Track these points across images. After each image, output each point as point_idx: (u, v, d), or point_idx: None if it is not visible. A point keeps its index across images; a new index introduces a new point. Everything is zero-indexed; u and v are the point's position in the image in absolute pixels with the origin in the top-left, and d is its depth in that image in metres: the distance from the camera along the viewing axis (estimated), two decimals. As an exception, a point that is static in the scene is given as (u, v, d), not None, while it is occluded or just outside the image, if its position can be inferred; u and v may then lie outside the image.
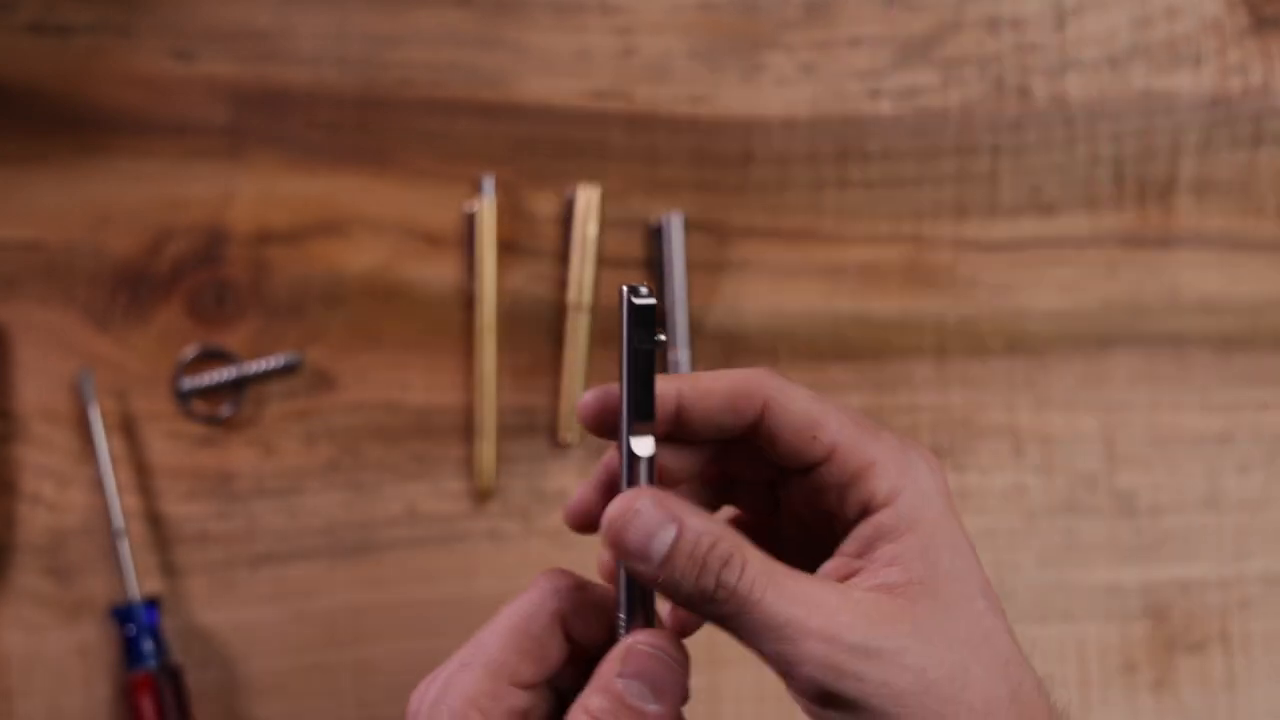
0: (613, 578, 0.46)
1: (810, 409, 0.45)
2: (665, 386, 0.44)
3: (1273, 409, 0.73)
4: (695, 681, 0.70)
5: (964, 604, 0.43)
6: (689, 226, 0.71)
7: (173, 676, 0.67)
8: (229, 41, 0.70)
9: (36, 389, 0.69)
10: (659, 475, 0.44)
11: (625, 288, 0.43)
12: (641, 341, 0.43)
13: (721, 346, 0.71)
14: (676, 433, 0.45)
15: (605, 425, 0.45)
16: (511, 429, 0.70)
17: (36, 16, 0.69)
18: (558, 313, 0.71)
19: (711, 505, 0.49)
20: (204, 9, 0.70)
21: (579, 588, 0.47)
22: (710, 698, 0.70)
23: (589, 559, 0.70)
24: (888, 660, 0.42)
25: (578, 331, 0.70)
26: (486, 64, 0.71)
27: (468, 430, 0.70)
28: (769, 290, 0.72)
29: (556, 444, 0.71)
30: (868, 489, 0.44)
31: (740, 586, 0.42)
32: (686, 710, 0.71)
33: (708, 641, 0.71)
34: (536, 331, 0.71)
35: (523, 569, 0.70)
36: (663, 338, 0.44)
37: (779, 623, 0.42)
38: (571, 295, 0.70)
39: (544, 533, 0.70)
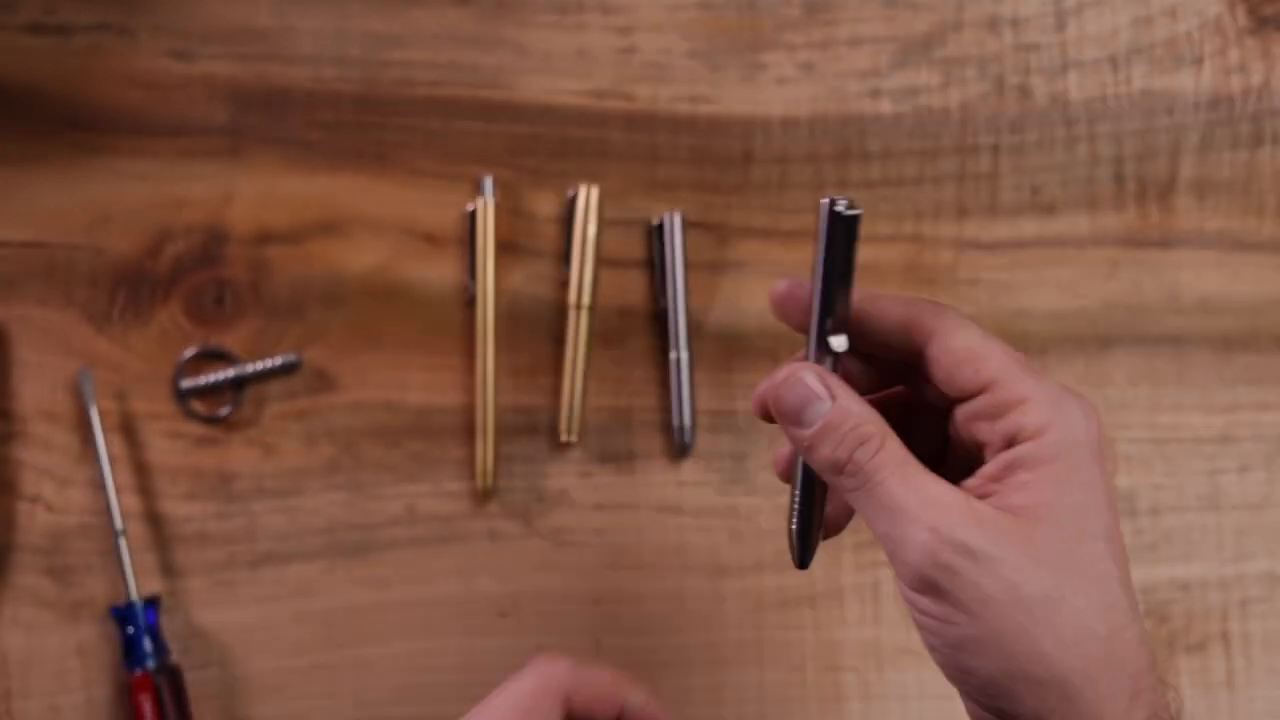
0: (788, 469, 0.51)
1: (974, 343, 0.47)
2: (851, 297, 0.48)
3: (1273, 409, 0.73)
4: (694, 681, 0.71)
5: (1083, 539, 0.45)
6: (689, 226, 0.71)
7: (172, 676, 0.67)
8: (229, 41, 0.70)
9: (36, 389, 0.69)
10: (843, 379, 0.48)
11: (826, 199, 0.47)
12: (847, 249, 0.47)
13: (721, 346, 0.71)
14: (853, 343, 0.48)
15: (790, 313, 0.49)
16: (511, 429, 0.70)
17: (36, 16, 0.69)
18: (558, 313, 0.71)
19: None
20: (204, 9, 0.70)
21: (577, 669, 0.50)
22: (710, 698, 0.70)
23: (589, 559, 0.71)
24: (985, 564, 0.44)
25: (578, 331, 0.70)
26: (486, 64, 0.71)
27: (468, 430, 0.70)
28: (769, 290, 0.71)
29: (556, 444, 0.71)
30: (1017, 422, 0.46)
31: (869, 465, 0.46)
32: (686, 710, 0.72)
33: (707, 642, 0.71)
34: (536, 331, 0.71)
35: (523, 569, 0.70)
36: (859, 211, 0.47)
37: (895, 505, 0.45)
38: (571, 295, 0.70)
39: (544, 533, 0.70)
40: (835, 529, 0.52)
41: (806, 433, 0.47)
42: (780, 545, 0.70)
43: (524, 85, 0.71)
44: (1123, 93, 0.73)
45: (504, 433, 0.70)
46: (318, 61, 0.70)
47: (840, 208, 0.46)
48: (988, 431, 0.47)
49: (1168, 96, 0.73)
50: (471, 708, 0.69)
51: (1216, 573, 0.72)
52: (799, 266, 0.71)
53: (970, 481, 0.47)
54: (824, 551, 0.71)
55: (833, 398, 0.47)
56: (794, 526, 0.51)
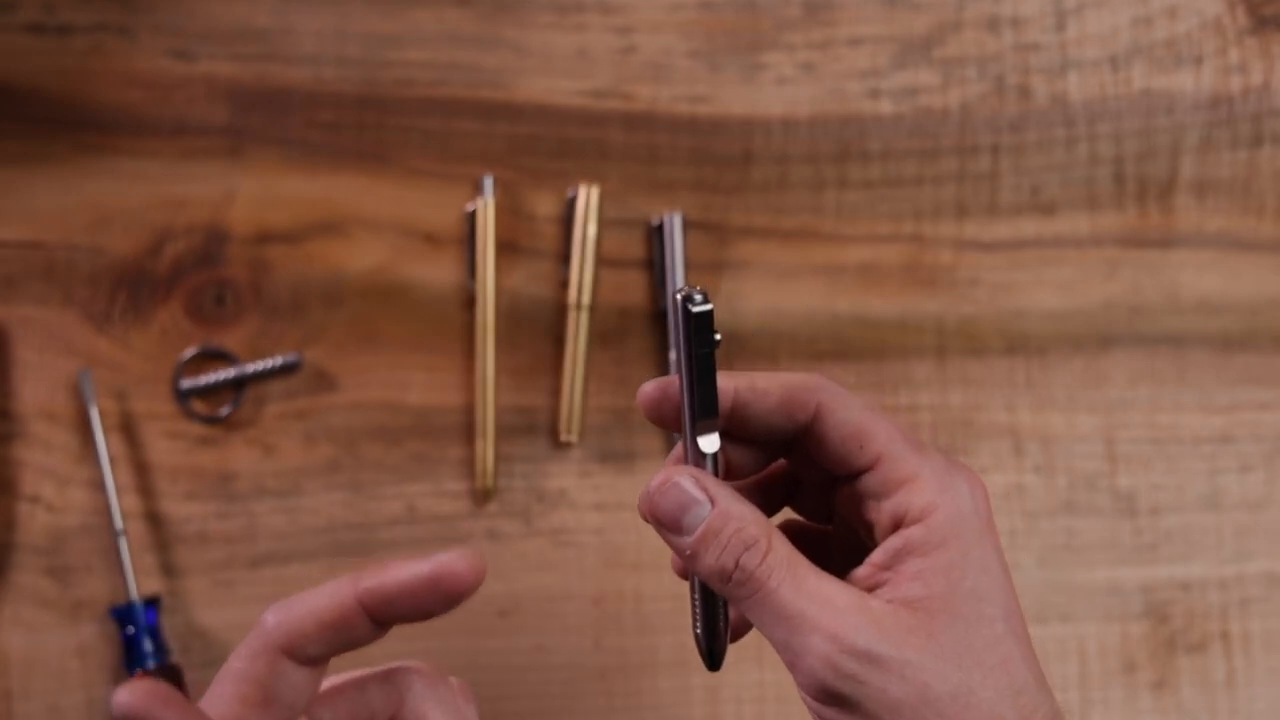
0: (681, 572, 0.49)
1: (861, 418, 0.46)
2: (724, 384, 0.46)
3: (1273, 409, 0.73)
4: (694, 681, 0.71)
5: (983, 625, 0.44)
6: (689, 226, 0.71)
7: (172, 676, 0.67)
8: (229, 41, 0.70)
9: (36, 389, 0.69)
10: (723, 471, 0.47)
11: (678, 294, 0.45)
12: (701, 345, 0.45)
13: (721, 346, 0.71)
14: (733, 430, 0.46)
15: (665, 415, 0.47)
16: (511, 429, 0.70)
17: (36, 16, 0.69)
18: (558, 313, 0.71)
19: (772, 506, 0.50)
20: (204, 9, 0.70)
21: (297, 612, 0.45)
22: (710, 698, 0.70)
23: (589, 560, 0.71)
24: (890, 669, 0.43)
25: (578, 331, 0.70)
26: (486, 64, 0.71)
27: (468, 430, 0.70)
28: (769, 290, 0.72)
29: (556, 444, 0.71)
30: (904, 502, 0.45)
31: (759, 572, 0.44)
32: (686, 710, 0.72)
33: (708, 641, 0.71)
34: (536, 331, 0.71)
35: (523, 569, 0.70)
36: (718, 337, 0.45)
37: (790, 613, 0.43)
38: (571, 295, 0.70)
39: (544, 533, 0.70)
40: (744, 629, 0.49)
41: (688, 540, 0.45)
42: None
43: (524, 85, 0.71)
44: (1123, 93, 0.73)
45: (504, 433, 0.70)
46: (318, 61, 0.70)
47: (693, 302, 0.45)
48: (874, 511, 0.46)
49: (1168, 96, 0.73)
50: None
51: (1216, 573, 0.72)
52: (799, 266, 0.71)
53: (859, 572, 0.45)
54: (824, 551, 0.71)
55: (712, 501, 0.45)
56: (698, 630, 0.48)
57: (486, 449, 0.69)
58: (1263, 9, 0.73)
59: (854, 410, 0.46)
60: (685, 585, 0.70)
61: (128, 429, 0.69)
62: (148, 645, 0.66)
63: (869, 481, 0.46)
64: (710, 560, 0.44)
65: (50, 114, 0.69)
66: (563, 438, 0.70)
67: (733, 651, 0.70)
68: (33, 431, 0.68)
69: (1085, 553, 0.72)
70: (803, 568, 0.44)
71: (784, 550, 0.44)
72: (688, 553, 0.45)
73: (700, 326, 0.45)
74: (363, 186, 0.70)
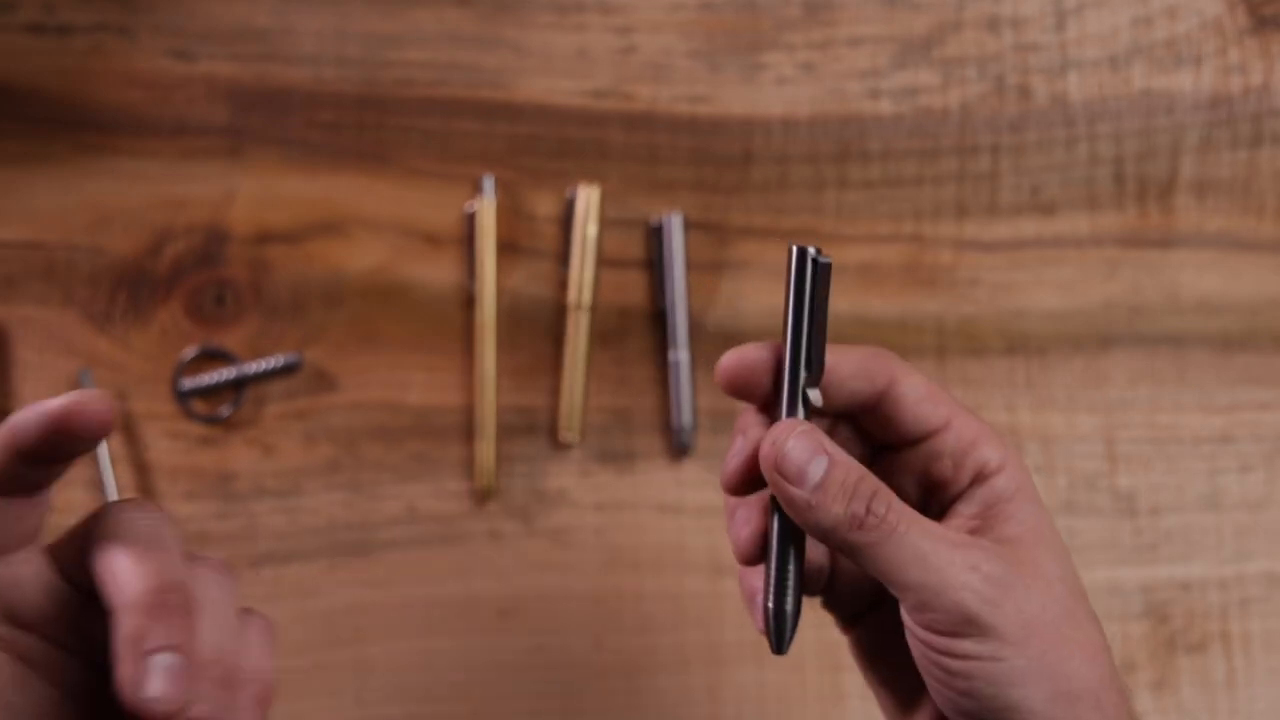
0: (749, 552, 0.50)
1: (928, 383, 0.49)
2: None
3: (1273, 409, 0.73)
4: (694, 681, 0.71)
5: (1064, 557, 0.48)
6: (689, 226, 0.71)
7: (173, 676, 0.67)
8: (229, 41, 0.70)
9: (36, 389, 0.69)
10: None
11: (796, 247, 0.48)
12: (823, 298, 0.48)
13: (721, 346, 0.71)
14: (821, 395, 0.49)
15: (750, 383, 0.49)
16: (511, 429, 0.70)
17: (36, 16, 0.69)
18: (558, 313, 0.71)
19: None
20: (204, 9, 0.70)
21: None
22: (710, 698, 0.70)
23: (589, 559, 0.71)
24: (1020, 592, 0.46)
25: (578, 331, 0.70)
26: (486, 64, 0.71)
27: (468, 430, 0.70)
28: (769, 290, 0.72)
29: (556, 444, 0.71)
30: (981, 456, 0.49)
31: (890, 516, 0.46)
32: (686, 710, 0.72)
33: (707, 642, 0.71)
34: (536, 331, 0.71)
35: (523, 569, 0.70)
36: (830, 259, 0.48)
37: (924, 552, 0.46)
38: (571, 295, 0.70)
39: (544, 533, 0.70)
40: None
41: (805, 492, 0.47)
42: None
43: (524, 85, 0.71)
44: (1123, 93, 0.73)
45: (504, 433, 0.70)
46: (318, 61, 0.70)
47: (813, 255, 0.48)
48: (949, 468, 0.49)
49: (1168, 96, 0.73)
50: (471, 708, 0.70)
51: (1216, 573, 0.72)
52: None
53: (952, 521, 0.49)
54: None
55: (826, 453, 0.47)
56: (771, 606, 0.49)
57: (486, 449, 0.69)
58: (1263, 9, 0.73)
59: (919, 376, 0.49)
60: (685, 585, 0.70)
61: (128, 429, 0.69)
62: (148, 645, 0.66)
63: (943, 441, 0.49)
64: (838, 508, 0.46)
65: (50, 114, 0.69)
66: (563, 438, 0.70)
67: (733, 650, 0.70)
68: (33, 431, 0.68)
69: (1085, 553, 0.72)
70: (918, 514, 0.47)
71: (897, 498, 0.47)
72: (808, 503, 0.47)
73: (823, 278, 0.47)
74: (363, 186, 0.70)
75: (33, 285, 0.69)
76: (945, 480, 0.50)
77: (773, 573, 0.49)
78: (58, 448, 0.43)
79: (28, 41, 0.69)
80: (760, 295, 0.71)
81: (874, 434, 0.51)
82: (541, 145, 0.71)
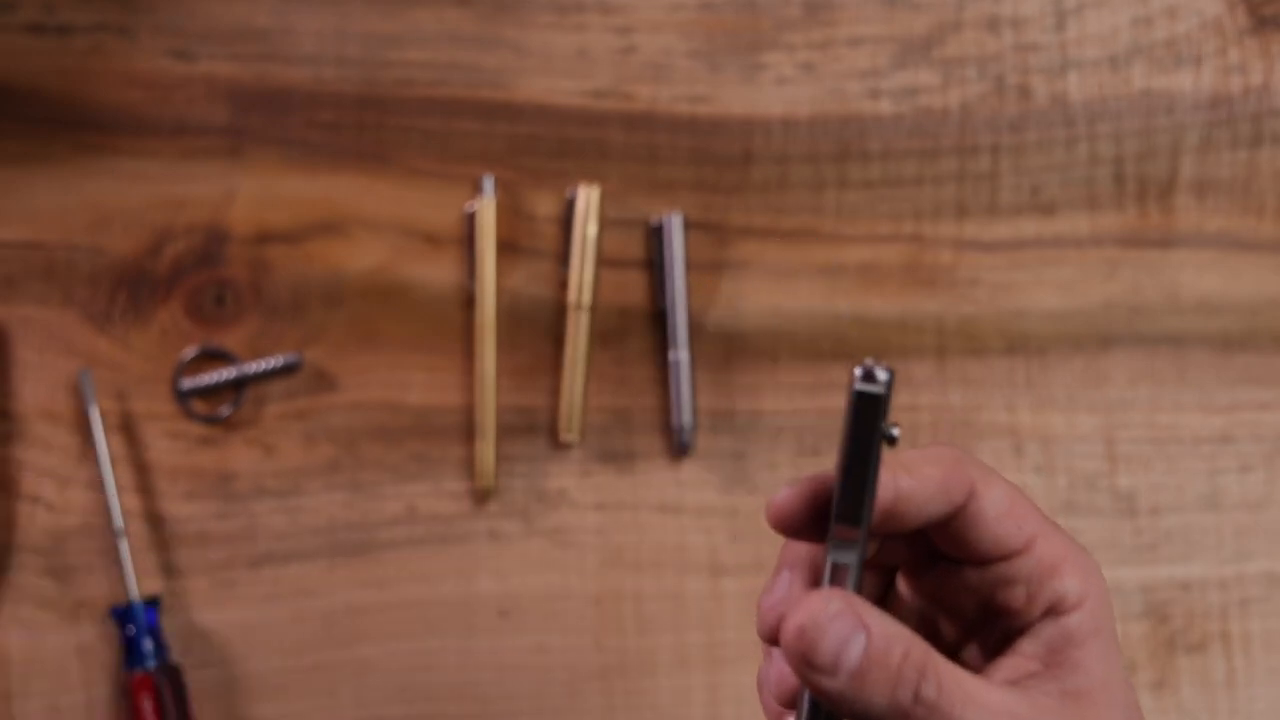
0: (785, 700, 0.43)
1: (1013, 496, 0.43)
2: (884, 476, 0.41)
3: (1273, 409, 0.73)
4: (694, 681, 0.71)
5: (1132, 710, 0.43)
6: (689, 226, 0.71)
7: (172, 676, 0.67)
8: (229, 41, 0.70)
9: (36, 389, 0.69)
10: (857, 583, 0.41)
11: (858, 370, 0.38)
12: (860, 429, 0.39)
13: (721, 346, 0.71)
14: (886, 525, 0.42)
15: (806, 520, 0.42)
16: (511, 429, 0.70)
17: (36, 16, 0.69)
18: (558, 313, 0.71)
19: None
20: (204, 9, 0.70)
21: None
22: (710, 698, 0.70)
23: (589, 560, 0.71)
24: None
25: (578, 331, 0.70)
26: (486, 64, 0.71)
27: (468, 430, 0.70)
28: (769, 290, 0.72)
29: (556, 444, 0.71)
30: (1061, 588, 0.42)
31: (942, 701, 0.40)
32: (686, 711, 0.72)
33: (707, 642, 0.71)
34: (536, 331, 0.71)
35: (523, 569, 0.70)
36: (896, 431, 0.39)
37: None
38: (571, 295, 0.70)
39: (544, 533, 0.70)
40: None
41: (840, 682, 0.39)
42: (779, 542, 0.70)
43: (524, 85, 0.71)
44: (1123, 93, 0.73)
45: (504, 433, 0.70)
46: (318, 61, 0.70)
47: (862, 384, 0.38)
48: (1023, 598, 0.43)
49: (1168, 96, 0.73)
50: (471, 708, 0.70)
51: (1216, 573, 0.72)
52: (799, 266, 0.71)
53: (1011, 660, 0.43)
54: (824, 551, 0.71)
55: (865, 628, 0.39)
56: None
57: (486, 449, 0.69)
58: (1263, 9, 0.73)
59: (1005, 487, 0.43)
60: (685, 586, 0.70)
61: (128, 429, 0.69)
62: (148, 645, 0.66)
63: (1020, 565, 0.43)
64: (880, 698, 0.39)
65: (50, 114, 0.69)
66: (563, 438, 0.70)
67: (733, 650, 0.70)
68: (33, 431, 0.68)
69: (1085, 553, 0.72)
70: (967, 680, 0.40)
71: (948, 668, 0.40)
72: (843, 692, 0.39)
73: (868, 410, 0.38)
74: (363, 186, 0.70)
75: (33, 285, 0.69)
76: (1015, 609, 0.43)
77: None
78: None
79: (28, 41, 0.69)
80: (760, 295, 0.71)
81: (942, 549, 0.44)
82: (541, 145, 0.71)
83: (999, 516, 0.42)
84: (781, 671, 0.43)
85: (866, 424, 0.38)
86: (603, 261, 0.71)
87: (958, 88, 0.72)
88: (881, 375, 0.38)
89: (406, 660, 0.69)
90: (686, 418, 0.70)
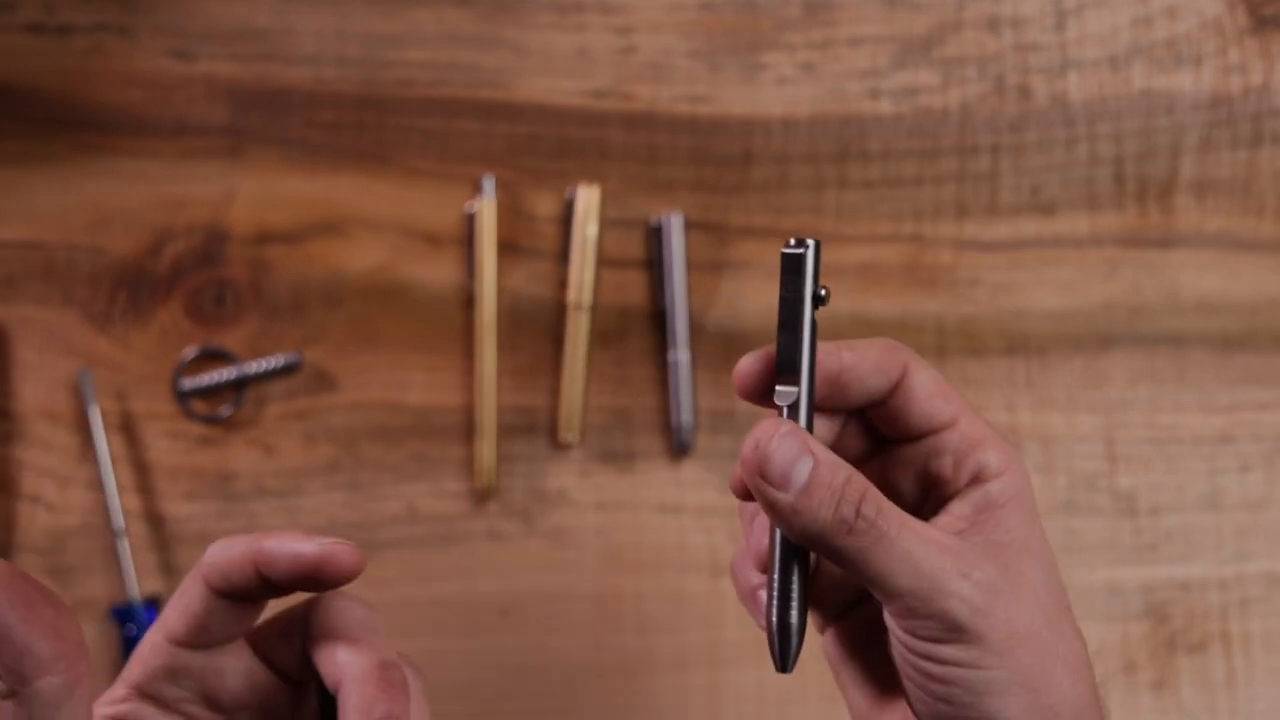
0: (760, 562, 0.49)
1: (938, 379, 0.48)
2: (829, 348, 0.47)
3: (1273, 409, 0.73)
4: (694, 681, 0.71)
5: (1052, 569, 0.48)
6: (689, 226, 0.71)
7: (173, 676, 0.67)
8: (229, 41, 0.70)
9: (36, 389, 0.69)
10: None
11: (791, 240, 0.46)
12: (790, 289, 0.46)
13: (721, 346, 0.71)
14: (835, 396, 0.48)
15: (762, 389, 0.47)
16: (511, 429, 0.70)
17: (36, 16, 0.69)
18: (558, 313, 0.71)
19: None
20: (204, 9, 0.70)
21: (217, 554, 0.47)
22: (710, 698, 0.70)
23: (589, 559, 0.71)
24: (1008, 600, 0.45)
25: (578, 331, 0.70)
26: (486, 64, 0.71)
27: (468, 430, 0.70)
28: (769, 290, 0.71)
29: (556, 444, 0.71)
30: (982, 458, 0.48)
31: (880, 520, 0.45)
32: (686, 711, 0.72)
33: (707, 641, 0.71)
34: (536, 331, 0.71)
35: (522, 569, 0.70)
36: (824, 292, 0.46)
37: (917, 557, 0.45)
38: (571, 295, 0.70)
39: (544, 533, 0.70)
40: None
41: (790, 496, 0.45)
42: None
43: (524, 85, 0.71)
44: (1122, 93, 0.73)
45: (504, 433, 0.70)
46: (318, 61, 0.70)
47: (789, 248, 0.46)
48: (949, 466, 0.48)
49: (1168, 96, 0.73)
50: (471, 708, 0.69)
51: (1216, 573, 0.72)
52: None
53: (943, 519, 0.48)
54: (824, 551, 0.71)
55: (811, 453, 0.45)
56: (775, 620, 0.47)
57: (486, 449, 0.69)
58: (1263, 9, 0.73)
59: (931, 371, 0.48)
60: (685, 586, 0.70)
61: (128, 429, 0.69)
62: (148, 645, 0.66)
63: (947, 438, 0.48)
64: (825, 513, 0.44)
65: (50, 114, 0.69)
66: (563, 438, 0.70)
67: (733, 650, 0.70)
68: (33, 431, 0.68)
69: (1085, 553, 0.72)
70: (905, 514, 0.45)
71: (887, 500, 0.45)
72: (792, 507, 0.45)
73: (790, 269, 0.45)
74: (363, 186, 0.70)
75: (33, 285, 0.69)
76: (944, 478, 0.48)
77: (775, 586, 0.46)
78: (299, 584, 0.46)
79: (28, 41, 0.69)
80: (760, 295, 0.71)
81: (880, 427, 0.49)
82: (541, 145, 0.71)
83: (928, 395, 0.48)
84: (759, 541, 0.49)
85: (795, 283, 0.45)
86: (603, 261, 0.71)
87: (958, 88, 0.72)
88: (809, 241, 0.46)
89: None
90: (686, 418, 0.70)
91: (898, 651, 0.47)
